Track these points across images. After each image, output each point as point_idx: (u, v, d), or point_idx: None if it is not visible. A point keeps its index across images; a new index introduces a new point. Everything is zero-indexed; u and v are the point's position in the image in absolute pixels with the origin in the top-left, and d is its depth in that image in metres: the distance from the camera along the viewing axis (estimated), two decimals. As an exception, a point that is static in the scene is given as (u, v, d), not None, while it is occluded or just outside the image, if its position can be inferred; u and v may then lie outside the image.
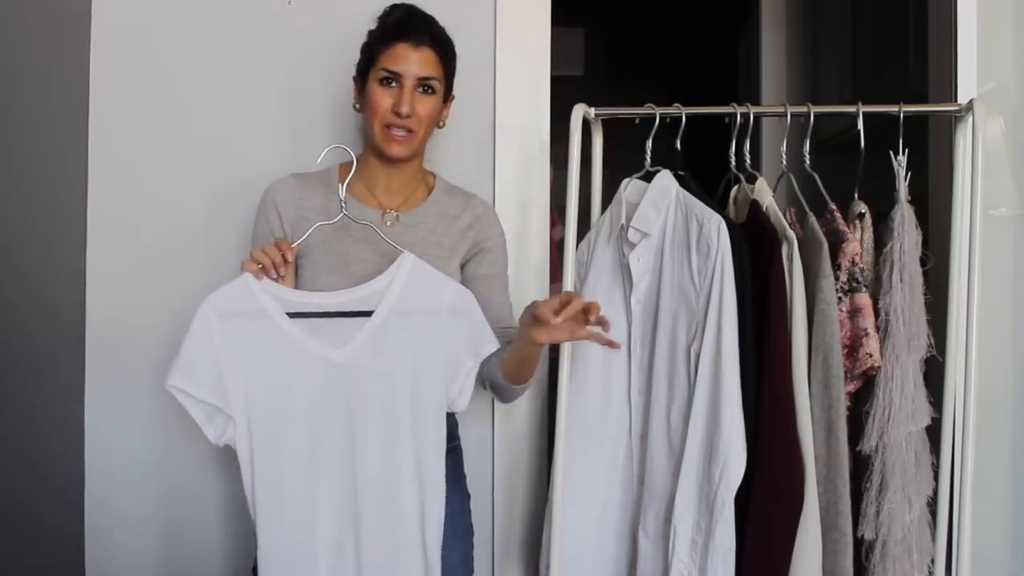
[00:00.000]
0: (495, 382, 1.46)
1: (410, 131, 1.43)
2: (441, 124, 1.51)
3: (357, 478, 1.33)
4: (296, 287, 1.41)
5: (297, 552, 1.32)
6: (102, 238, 1.78)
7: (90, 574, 1.77)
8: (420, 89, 1.43)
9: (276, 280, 1.34)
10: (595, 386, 1.61)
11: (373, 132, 1.44)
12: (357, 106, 1.50)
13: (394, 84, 1.42)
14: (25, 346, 1.61)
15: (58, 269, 1.73)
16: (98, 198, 1.78)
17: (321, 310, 1.33)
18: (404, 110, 1.40)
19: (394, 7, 1.47)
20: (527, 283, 1.76)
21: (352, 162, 1.43)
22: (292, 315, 1.32)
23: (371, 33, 1.47)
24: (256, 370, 1.31)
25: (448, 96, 1.51)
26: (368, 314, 1.34)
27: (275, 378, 1.32)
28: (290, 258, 1.34)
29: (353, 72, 1.51)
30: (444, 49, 1.46)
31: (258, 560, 1.34)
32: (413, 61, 1.41)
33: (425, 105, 1.43)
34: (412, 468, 1.34)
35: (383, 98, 1.42)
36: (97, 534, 1.78)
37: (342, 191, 1.37)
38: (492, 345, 1.38)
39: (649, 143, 1.61)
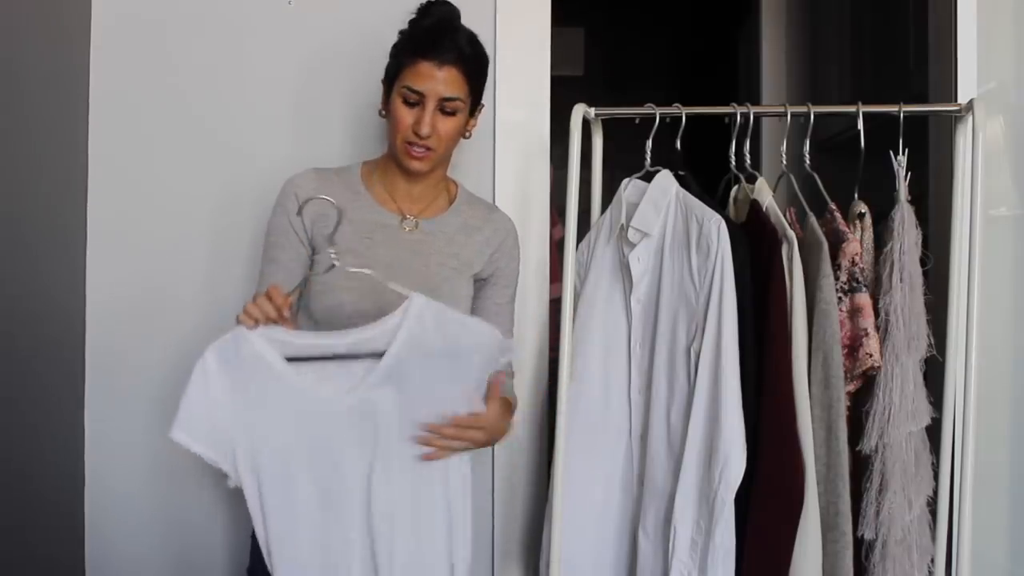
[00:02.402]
0: None
1: (430, 148, 1.39)
2: (468, 135, 1.47)
3: (376, 526, 1.26)
4: (309, 300, 1.38)
5: None
6: (103, 241, 1.78)
7: (90, 576, 1.78)
8: (442, 109, 1.38)
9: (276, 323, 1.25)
10: (595, 386, 1.61)
11: (395, 145, 1.41)
12: (383, 112, 1.46)
13: (416, 103, 1.38)
14: (25, 349, 1.61)
15: (58, 272, 1.73)
16: (98, 201, 1.78)
17: (329, 352, 1.25)
18: (424, 131, 1.37)
19: (428, 8, 1.40)
20: (527, 283, 1.75)
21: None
22: (297, 360, 1.24)
23: (402, 35, 1.42)
24: (262, 424, 1.23)
25: (476, 108, 1.46)
26: (379, 355, 1.25)
27: (283, 430, 1.24)
28: (286, 313, 1.25)
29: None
30: (471, 66, 1.40)
31: None
32: (437, 80, 1.36)
33: (446, 125, 1.39)
34: (443, 510, 1.28)
35: (405, 115, 1.38)
36: (97, 538, 1.78)
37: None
38: (509, 355, 1.33)
39: (649, 143, 1.61)
